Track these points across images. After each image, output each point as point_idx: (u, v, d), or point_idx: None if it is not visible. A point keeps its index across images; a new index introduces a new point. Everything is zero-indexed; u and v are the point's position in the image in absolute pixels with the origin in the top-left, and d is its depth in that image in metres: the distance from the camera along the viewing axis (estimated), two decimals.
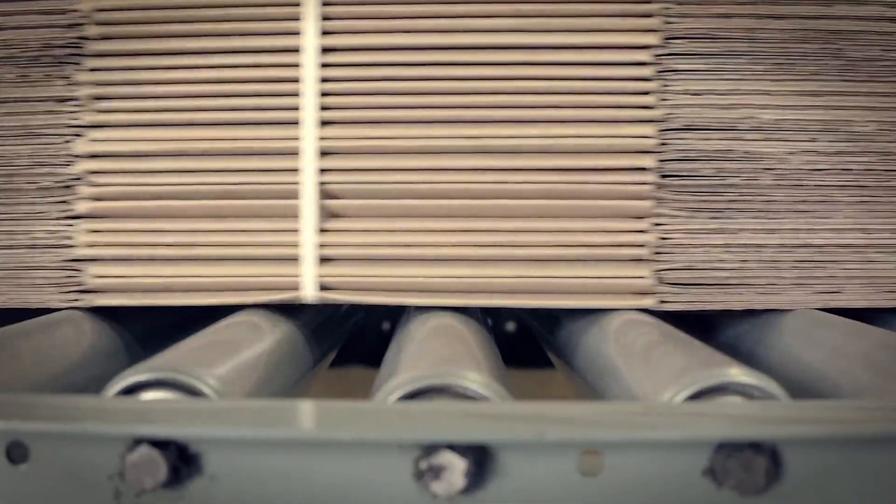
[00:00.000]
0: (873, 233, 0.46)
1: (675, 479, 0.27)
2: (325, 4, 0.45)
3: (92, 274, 0.45)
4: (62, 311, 0.45)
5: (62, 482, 0.28)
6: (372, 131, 0.45)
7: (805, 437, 0.27)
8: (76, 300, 0.45)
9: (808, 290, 0.46)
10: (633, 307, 0.45)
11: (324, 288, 0.45)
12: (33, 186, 0.45)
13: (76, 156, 0.45)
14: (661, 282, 0.46)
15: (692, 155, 0.45)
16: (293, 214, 0.44)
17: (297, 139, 0.44)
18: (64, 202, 0.45)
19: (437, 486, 0.26)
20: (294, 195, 0.44)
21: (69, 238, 0.45)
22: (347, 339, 0.61)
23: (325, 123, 0.45)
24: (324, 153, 0.45)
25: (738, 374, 0.32)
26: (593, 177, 0.45)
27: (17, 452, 0.28)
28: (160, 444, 0.27)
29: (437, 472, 0.26)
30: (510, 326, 1.06)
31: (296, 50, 0.45)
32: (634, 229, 0.45)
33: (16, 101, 0.45)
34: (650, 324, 0.43)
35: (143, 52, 0.45)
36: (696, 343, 0.38)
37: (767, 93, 0.45)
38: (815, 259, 0.46)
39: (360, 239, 0.45)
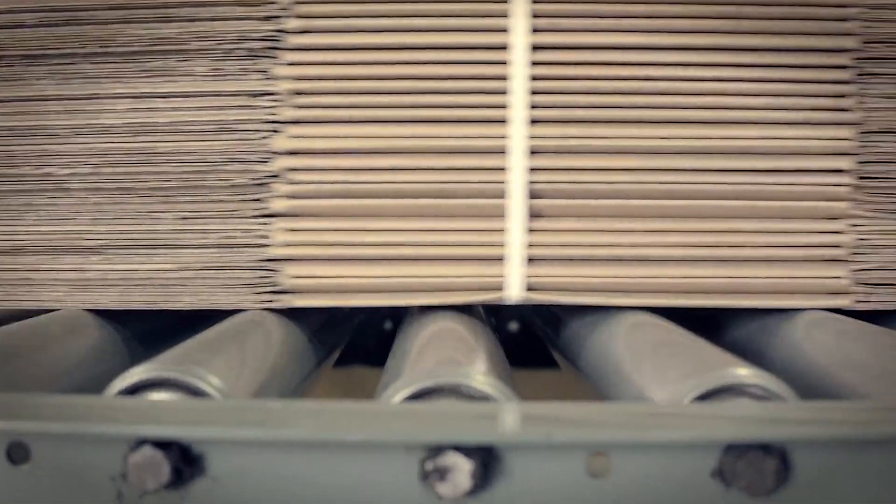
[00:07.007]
0: None
1: (683, 481, 0.27)
2: (535, 2, 0.43)
3: (289, 274, 0.44)
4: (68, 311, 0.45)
5: (63, 483, 0.27)
6: (582, 130, 0.44)
7: (815, 438, 0.27)
8: (270, 301, 0.44)
9: None
10: (828, 307, 0.45)
11: (530, 289, 0.44)
12: (226, 184, 0.43)
13: (273, 152, 0.43)
14: (857, 282, 0.46)
15: (890, 157, 0.45)
16: (499, 214, 0.44)
17: (504, 137, 0.43)
18: (258, 200, 0.43)
19: (443, 488, 0.26)
20: (501, 194, 0.44)
21: (264, 237, 0.44)
22: (351, 338, 0.61)
23: (534, 122, 0.43)
24: (533, 152, 0.43)
25: (747, 374, 0.32)
26: (792, 178, 0.45)
27: (17, 453, 0.27)
28: (163, 445, 0.26)
29: (442, 473, 0.26)
30: (513, 326, 1.06)
31: (504, 47, 0.43)
32: (831, 230, 0.45)
33: (209, 95, 0.43)
34: (658, 325, 0.43)
35: (345, 47, 0.43)
36: (705, 343, 0.38)
37: None
38: None
39: (568, 239, 0.44)
